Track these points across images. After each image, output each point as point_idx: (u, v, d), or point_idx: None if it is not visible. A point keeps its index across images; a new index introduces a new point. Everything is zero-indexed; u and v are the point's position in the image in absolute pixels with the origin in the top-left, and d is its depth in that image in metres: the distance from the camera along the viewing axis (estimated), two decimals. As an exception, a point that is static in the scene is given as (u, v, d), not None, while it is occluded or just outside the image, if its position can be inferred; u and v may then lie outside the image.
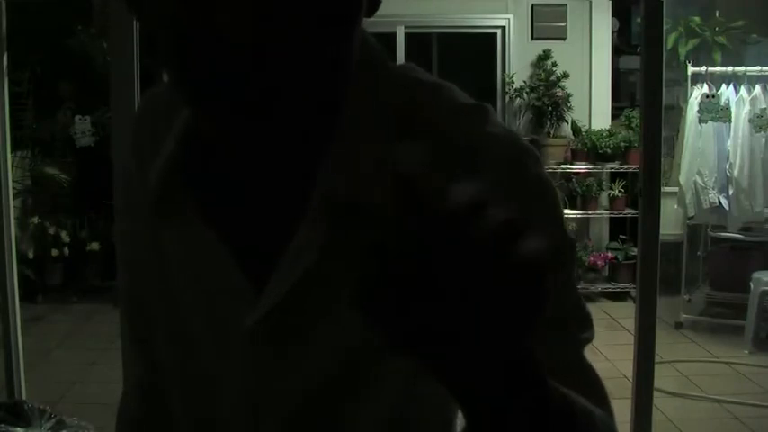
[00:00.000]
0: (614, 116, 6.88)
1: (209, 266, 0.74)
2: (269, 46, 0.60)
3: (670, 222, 5.39)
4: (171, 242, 0.76)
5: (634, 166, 5.96)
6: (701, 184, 5.50)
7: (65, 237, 6.28)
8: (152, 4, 0.63)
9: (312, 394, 0.72)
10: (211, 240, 0.72)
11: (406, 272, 0.46)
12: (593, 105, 6.78)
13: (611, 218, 6.72)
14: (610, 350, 4.62)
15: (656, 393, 3.08)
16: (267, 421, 0.74)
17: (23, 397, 3.36)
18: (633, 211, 5.94)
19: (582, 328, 0.72)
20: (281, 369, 0.72)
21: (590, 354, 0.72)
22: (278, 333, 0.71)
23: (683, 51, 6.21)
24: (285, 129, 0.67)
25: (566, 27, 6.74)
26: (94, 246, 6.27)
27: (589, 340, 0.73)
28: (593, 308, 0.79)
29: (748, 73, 5.49)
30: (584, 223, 6.59)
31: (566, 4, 6.73)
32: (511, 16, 6.68)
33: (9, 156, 3.46)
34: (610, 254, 6.49)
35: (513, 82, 6.62)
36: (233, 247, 0.72)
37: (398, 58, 6.30)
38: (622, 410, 2.43)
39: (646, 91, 2.90)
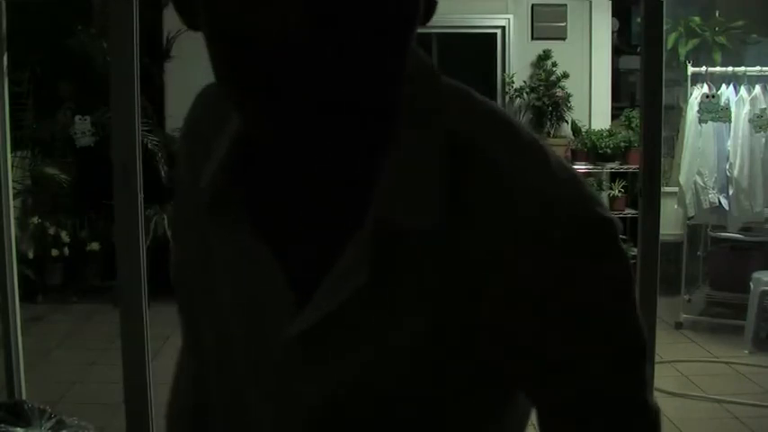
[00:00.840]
0: (614, 116, 6.88)
1: (253, 272, 0.74)
2: (320, 52, 0.59)
3: (670, 222, 5.38)
4: (218, 243, 0.77)
5: (634, 166, 5.95)
6: (701, 184, 5.49)
7: (65, 237, 6.27)
8: (209, 10, 0.63)
9: (335, 402, 0.72)
10: (258, 247, 0.72)
11: None
12: (593, 105, 6.78)
13: (611, 218, 6.71)
14: (610, 350, 4.61)
15: (656, 393, 3.06)
16: (286, 421, 0.75)
17: (23, 397, 3.37)
18: (633, 211, 5.93)
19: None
20: (306, 374, 0.73)
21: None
22: (313, 344, 0.71)
23: (683, 51, 6.20)
24: (332, 138, 0.66)
25: (566, 27, 6.73)
26: (94, 246, 6.26)
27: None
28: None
29: (748, 73, 5.48)
30: (584, 223, 6.58)
31: (566, 4, 6.73)
32: (511, 16, 6.68)
33: (9, 156, 3.46)
34: (610, 254, 6.48)
35: (513, 82, 6.61)
36: (278, 254, 0.72)
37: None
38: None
39: (646, 91, 2.90)
